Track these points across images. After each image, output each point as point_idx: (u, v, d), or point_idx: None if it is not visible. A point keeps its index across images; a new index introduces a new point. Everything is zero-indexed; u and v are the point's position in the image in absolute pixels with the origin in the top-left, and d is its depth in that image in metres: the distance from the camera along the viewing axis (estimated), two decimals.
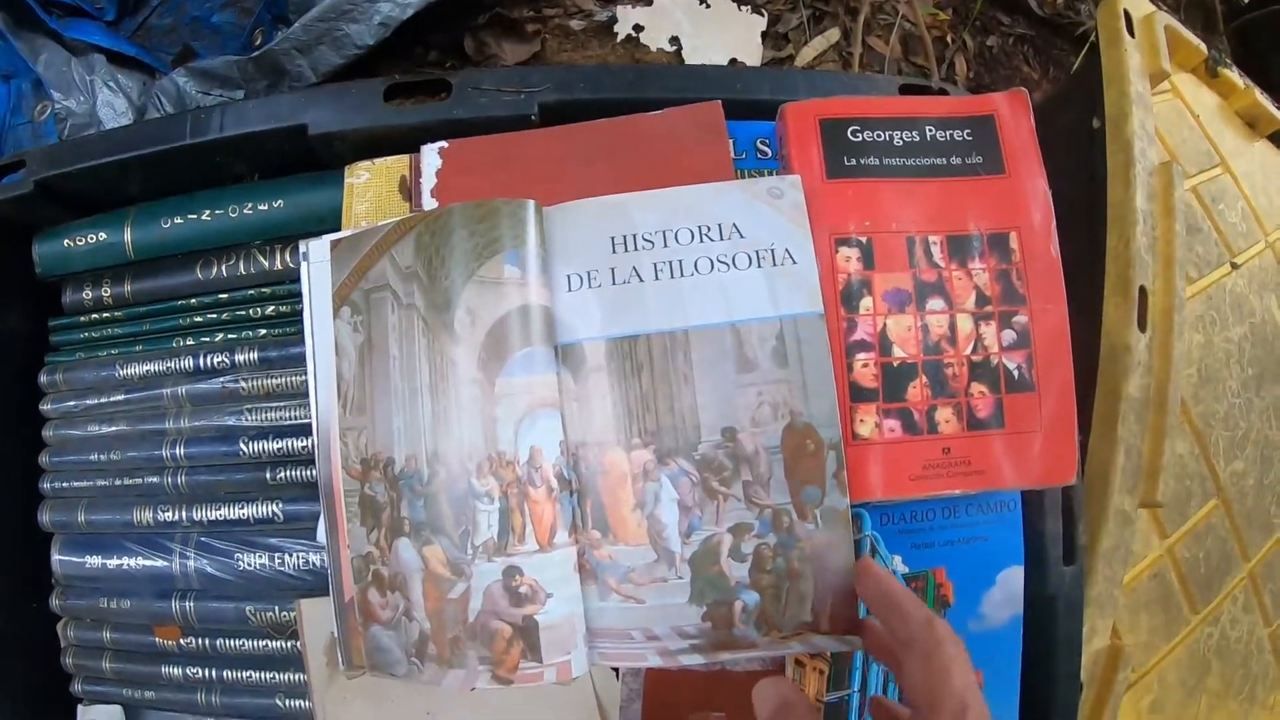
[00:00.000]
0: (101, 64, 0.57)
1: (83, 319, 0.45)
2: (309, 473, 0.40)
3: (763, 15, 0.66)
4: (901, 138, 0.37)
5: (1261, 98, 0.64)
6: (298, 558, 0.40)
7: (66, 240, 0.44)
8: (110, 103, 0.57)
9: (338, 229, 0.39)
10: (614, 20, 0.68)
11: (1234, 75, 0.62)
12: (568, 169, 0.36)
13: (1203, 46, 0.60)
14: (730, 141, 0.37)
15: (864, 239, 0.35)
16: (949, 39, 0.67)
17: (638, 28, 0.68)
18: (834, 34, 0.64)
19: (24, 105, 0.53)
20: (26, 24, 0.57)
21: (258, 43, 0.57)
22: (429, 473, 0.33)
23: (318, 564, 0.40)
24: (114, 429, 0.43)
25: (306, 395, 0.40)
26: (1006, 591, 0.39)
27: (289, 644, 0.41)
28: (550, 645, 0.31)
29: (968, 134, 0.37)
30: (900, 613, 0.27)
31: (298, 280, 0.40)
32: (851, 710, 0.37)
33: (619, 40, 0.67)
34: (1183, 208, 0.50)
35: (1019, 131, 0.38)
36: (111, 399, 0.43)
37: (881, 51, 0.65)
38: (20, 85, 0.54)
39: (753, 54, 0.65)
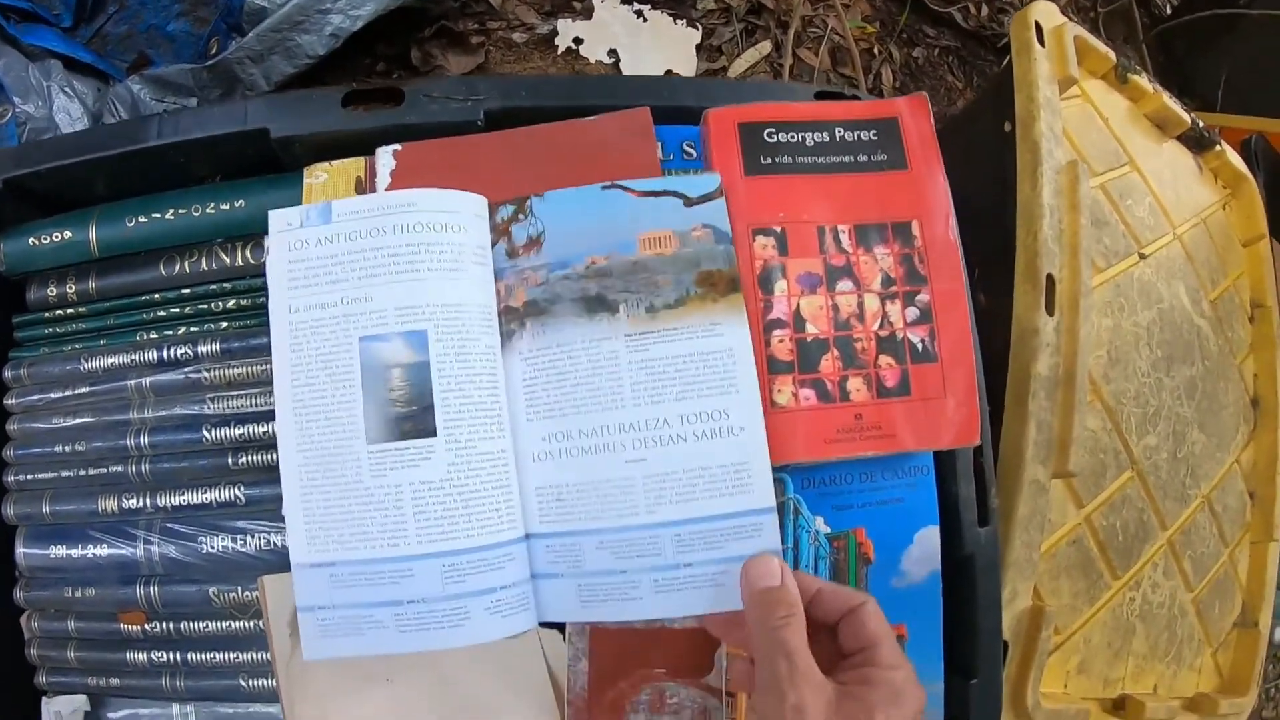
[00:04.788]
0: (58, 70, 0.62)
1: (47, 315, 0.49)
2: (270, 457, 0.45)
3: (697, 29, 0.74)
4: (813, 138, 0.43)
5: (1170, 101, 0.73)
6: (260, 539, 0.45)
7: (32, 238, 0.48)
8: (66, 108, 0.62)
9: None
10: (555, 33, 0.75)
11: (1143, 80, 0.71)
12: (511, 169, 0.42)
13: (1112, 55, 0.69)
14: (658, 144, 0.43)
15: (779, 229, 0.42)
16: (876, 50, 0.76)
17: (578, 40, 0.75)
18: (765, 46, 0.72)
19: None
20: None
21: (213, 51, 0.62)
22: None
23: (279, 544, 0.44)
24: (78, 421, 0.47)
25: (267, 384, 0.45)
26: (924, 549, 0.46)
27: (252, 623, 0.45)
28: None
29: (873, 134, 0.44)
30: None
31: (258, 275, 0.46)
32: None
33: (560, 52, 0.74)
34: (1089, 203, 0.58)
35: (919, 131, 0.45)
36: (76, 391, 0.47)
37: (811, 63, 0.73)
38: None
39: (688, 66, 0.72)
